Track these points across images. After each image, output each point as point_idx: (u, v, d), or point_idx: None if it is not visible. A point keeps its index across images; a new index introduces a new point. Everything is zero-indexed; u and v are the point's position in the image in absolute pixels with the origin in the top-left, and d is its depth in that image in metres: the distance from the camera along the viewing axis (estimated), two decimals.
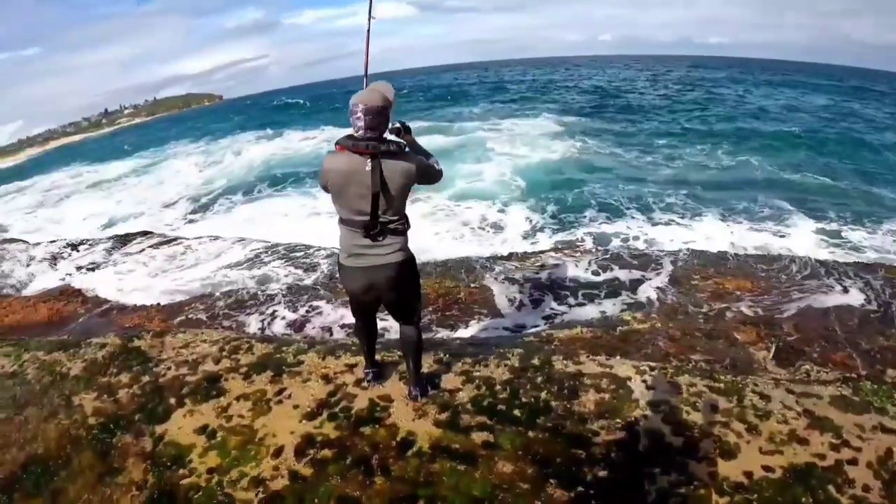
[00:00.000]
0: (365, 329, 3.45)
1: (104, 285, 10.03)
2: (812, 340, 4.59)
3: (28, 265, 12.34)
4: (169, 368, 4.52)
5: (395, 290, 3.01)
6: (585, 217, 13.86)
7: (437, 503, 2.67)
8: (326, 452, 3.15)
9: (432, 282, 6.62)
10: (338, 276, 3.21)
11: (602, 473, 2.69)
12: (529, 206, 14.91)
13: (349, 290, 3.14)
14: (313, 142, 33.46)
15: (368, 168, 2.67)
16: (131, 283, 9.90)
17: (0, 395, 4.55)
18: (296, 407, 3.62)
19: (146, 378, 4.41)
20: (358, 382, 3.74)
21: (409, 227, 2.96)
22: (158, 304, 8.18)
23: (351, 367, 3.97)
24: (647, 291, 5.81)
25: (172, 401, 3.98)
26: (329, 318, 6.45)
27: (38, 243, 14.27)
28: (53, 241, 14.12)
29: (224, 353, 4.62)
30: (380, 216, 2.79)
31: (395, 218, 2.86)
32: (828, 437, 2.91)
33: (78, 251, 12.85)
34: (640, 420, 3.04)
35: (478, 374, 3.67)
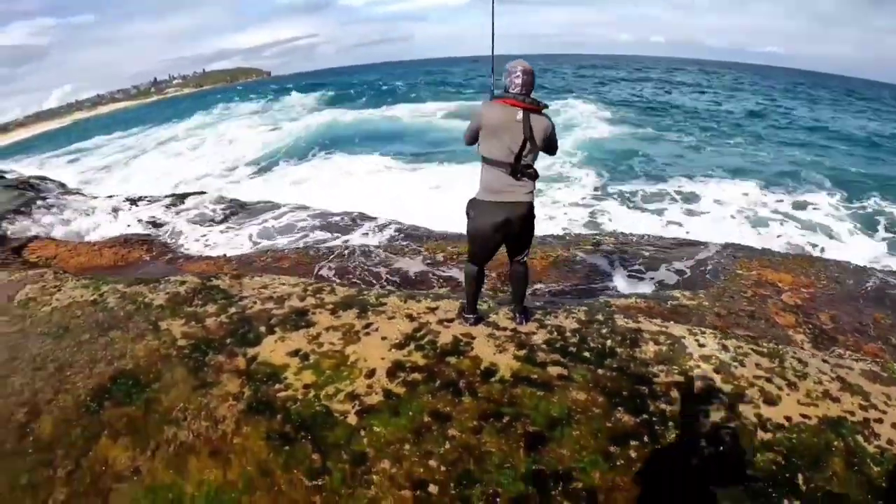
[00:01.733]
0: (478, 276, 3.94)
1: (168, 236, 10.58)
2: (846, 332, 4.90)
3: (89, 215, 12.76)
4: (255, 303, 4.83)
5: (523, 225, 3.59)
6: (635, 183, 16.63)
7: (521, 419, 3.08)
8: (416, 376, 3.53)
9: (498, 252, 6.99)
10: (470, 215, 3.68)
11: (663, 406, 3.14)
12: (587, 172, 17.69)
13: (482, 227, 3.61)
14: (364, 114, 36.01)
15: (519, 118, 3.30)
16: (195, 236, 10.43)
17: (83, 320, 4.79)
18: (384, 338, 4.01)
19: (233, 310, 4.71)
20: (441, 322, 4.16)
21: (538, 176, 3.52)
22: (225, 255, 8.58)
23: (433, 310, 4.39)
24: (694, 276, 6.16)
25: (262, 329, 4.30)
26: (399, 274, 6.80)
27: (97, 196, 14.84)
28: (112, 196, 14.64)
29: (308, 293, 4.95)
30: (522, 159, 3.38)
31: (532, 164, 3.45)
32: (857, 399, 3.30)
33: (137, 206, 13.35)
34: (694, 368, 3.48)
35: (549, 322, 4.12)
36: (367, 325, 4.24)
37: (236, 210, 11.93)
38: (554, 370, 3.48)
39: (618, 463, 2.77)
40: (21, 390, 3.74)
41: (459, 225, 8.97)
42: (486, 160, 3.48)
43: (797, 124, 31.02)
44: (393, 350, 3.87)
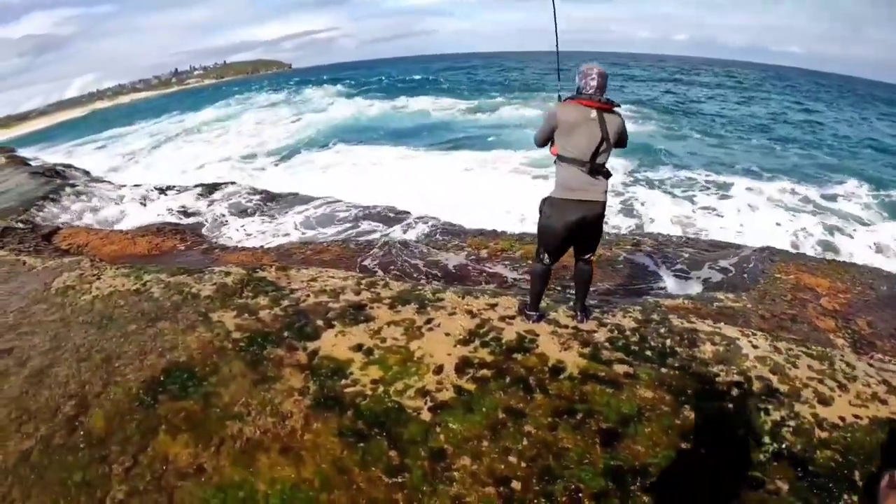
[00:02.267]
0: (545, 274, 4.07)
1: (202, 226, 10.73)
2: (883, 337, 5.02)
3: (118, 204, 12.91)
4: (308, 296, 4.82)
5: (597, 222, 3.76)
6: (663, 170, 17.48)
7: (594, 416, 3.22)
8: (485, 372, 3.59)
9: None
10: (545, 213, 3.81)
11: (727, 405, 3.33)
12: (617, 160, 17.70)
13: (556, 225, 3.74)
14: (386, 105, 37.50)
15: (594, 116, 3.46)
16: (229, 227, 10.55)
17: (127, 309, 4.76)
18: (447, 334, 4.08)
19: (286, 302, 4.70)
20: (503, 318, 4.29)
21: (611, 175, 3.69)
22: (262, 246, 8.59)
23: (492, 306, 4.50)
24: (734, 278, 6.31)
25: (320, 322, 4.31)
26: (444, 269, 6.84)
27: (124, 185, 14.92)
28: (139, 185, 14.75)
29: (362, 287, 4.98)
30: (598, 157, 3.53)
31: (605, 163, 3.61)
32: None
33: (166, 194, 13.49)
34: (751, 369, 3.67)
35: (608, 321, 4.28)
36: (429, 321, 4.30)
37: (268, 201, 12.07)
38: (620, 368, 3.65)
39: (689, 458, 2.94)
40: (66, 382, 3.72)
41: (491, 217, 9.21)
42: (562, 159, 3.63)
43: (822, 127, 30.94)
44: (458, 346, 3.92)
